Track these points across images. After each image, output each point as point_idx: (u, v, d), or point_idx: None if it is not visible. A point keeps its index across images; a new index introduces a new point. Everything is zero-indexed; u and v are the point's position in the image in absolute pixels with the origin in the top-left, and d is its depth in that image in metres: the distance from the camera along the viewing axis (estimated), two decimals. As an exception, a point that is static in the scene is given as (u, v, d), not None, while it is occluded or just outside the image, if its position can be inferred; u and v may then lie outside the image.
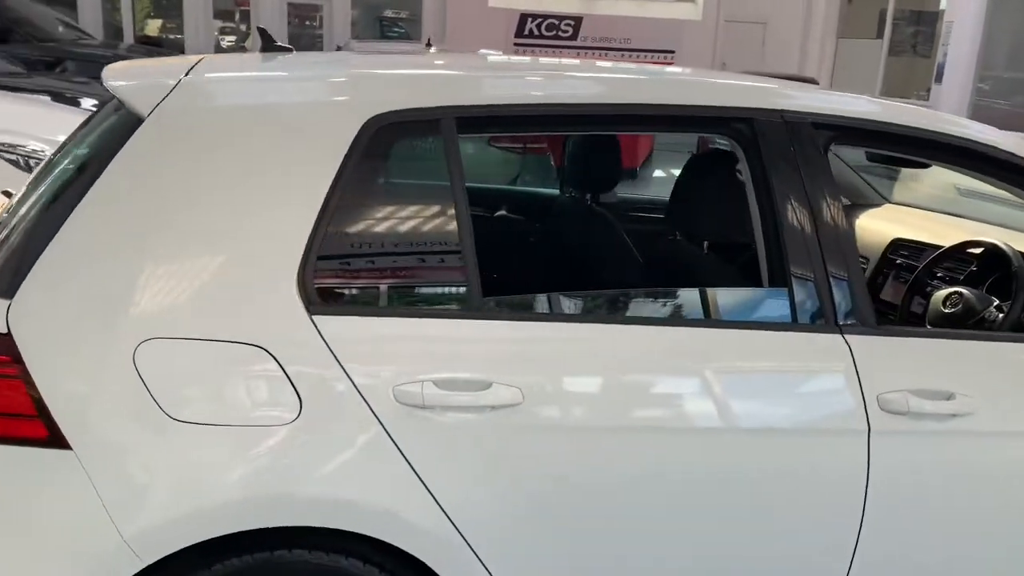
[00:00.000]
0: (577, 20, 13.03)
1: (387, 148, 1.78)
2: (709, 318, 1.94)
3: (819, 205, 1.89)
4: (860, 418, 1.81)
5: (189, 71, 1.76)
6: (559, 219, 3.08)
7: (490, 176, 5.47)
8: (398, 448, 1.64)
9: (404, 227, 1.81)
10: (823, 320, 1.85)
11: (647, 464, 1.77)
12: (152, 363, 1.57)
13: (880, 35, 14.82)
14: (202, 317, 1.60)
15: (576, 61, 2.73)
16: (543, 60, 2.48)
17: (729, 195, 2.07)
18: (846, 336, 1.84)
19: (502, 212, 3.26)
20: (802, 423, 1.83)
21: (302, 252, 1.64)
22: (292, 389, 1.61)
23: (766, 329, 1.86)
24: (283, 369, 1.60)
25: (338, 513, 1.65)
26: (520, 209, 3.28)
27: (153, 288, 1.60)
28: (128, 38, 12.86)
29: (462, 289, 1.75)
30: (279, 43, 2.28)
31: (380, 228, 1.80)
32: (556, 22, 12.97)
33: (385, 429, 1.64)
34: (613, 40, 13.03)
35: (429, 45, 5.69)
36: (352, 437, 1.64)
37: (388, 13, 15.98)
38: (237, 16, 15.60)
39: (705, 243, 2.31)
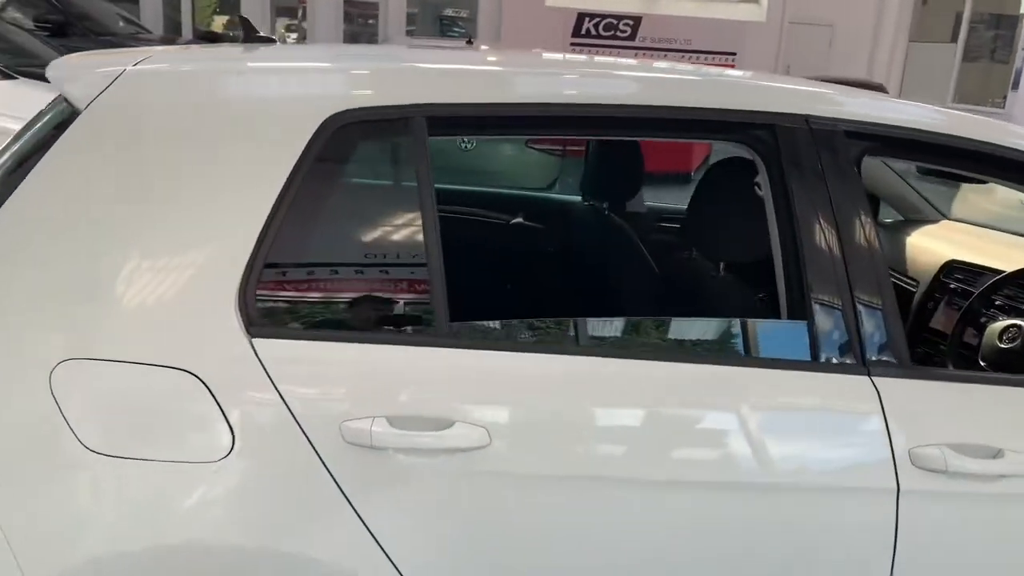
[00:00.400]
0: (636, 20, 12.75)
1: (348, 151, 1.58)
2: (715, 353, 1.70)
3: (848, 225, 1.64)
4: (887, 475, 1.55)
5: (138, 63, 1.59)
6: (572, 230, 2.85)
7: (528, 180, 5.25)
8: (344, 495, 1.44)
9: (363, 240, 1.61)
10: (848, 358, 1.60)
11: (634, 522, 1.54)
12: (69, 387, 1.40)
13: (954, 39, 14.19)
14: (127, 336, 1.42)
15: (579, 57, 2.48)
16: (545, 56, 2.24)
17: (747, 211, 1.82)
18: (874, 378, 1.59)
19: (518, 220, 3.05)
20: (818, 479, 1.58)
21: (244, 265, 1.45)
22: (224, 422, 1.42)
23: (781, 368, 1.61)
24: (215, 399, 1.42)
25: (271, 570, 1.45)
26: (538, 216, 3.06)
27: (73, 302, 1.43)
28: (187, 34, 12.98)
29: (426, 311, 1.54)
30: (261, 33, 2.12)
31: (336, 241, 1.61)
32: (614, 22, 12.71)
33: (330, 472, 1.44)
34: (673, 41, 12.71)
35: (469, 43, 5.52)
36: (290, 481, 1.45)
37: (448, 12, 15.91)
38: (300, 13, 15.69)
39: (721, 264, 2.07)
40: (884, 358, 1.61)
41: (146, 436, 1.42)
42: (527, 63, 2.03)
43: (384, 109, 1.55)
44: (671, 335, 1.74)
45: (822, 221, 1.63)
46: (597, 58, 2.22)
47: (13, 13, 10.69)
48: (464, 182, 5.07)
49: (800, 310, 1.63)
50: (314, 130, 1.50)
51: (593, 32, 12.71)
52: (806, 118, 1.68)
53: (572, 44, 12.37)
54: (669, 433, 1.56)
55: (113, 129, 1.49)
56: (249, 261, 1.45)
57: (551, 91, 1.65)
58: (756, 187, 1.81)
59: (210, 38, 13.22)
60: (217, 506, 1.43)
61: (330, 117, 1.51)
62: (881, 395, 1.58)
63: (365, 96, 1.56)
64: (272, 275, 1.48)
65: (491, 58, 2.13)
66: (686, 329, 1.73)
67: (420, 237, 1.52)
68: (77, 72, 1.62)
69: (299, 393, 1.45)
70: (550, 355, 1.55)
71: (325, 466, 1.44)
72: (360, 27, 14.35)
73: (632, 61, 2.30)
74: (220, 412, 1.42)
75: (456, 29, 16.08)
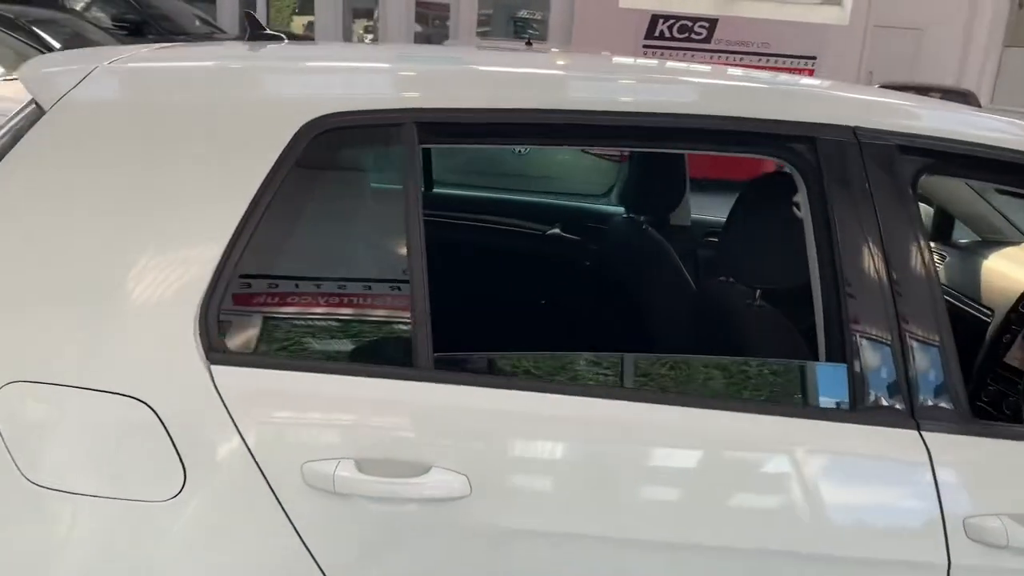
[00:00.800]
0: (712, 22, 12.40)
1: (328, 159, 1.43)
2: (739, 397, 1.48)
3: (898, 253, 1.42)
4: (937, 549, 1.34)
5: (113, 61, 1.47)
6: (607, 245, 2.66)
7: (585, 186, 5.07)
8: (304, 546, 1.29)
9: (342, 260, 1.46)
10: (894, 407, 1.38)
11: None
12: (11, 413, 1.28)
13: (1054, 44, 13.40)
14: (74, 358, 1.30)
15: (599, 57, 2.28)
16: (579, 58, 2.03)
17: (787, 234, 1.61)
18: (925, 432, 1.37)
19: (555, 231, 2.87)
20: (853, 550, 1.36)
21: (207, 283, 1.31)
22: (176, 457, 1.28)
23: (813, 417, 1.40)
24: (167, 431, 1.28)
25: None
26: (577, 227, 2.88)
27: (15, 318, 1.31)
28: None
29: (407, 340, 1.38)
30: (268, 31, 1.99)
31: (311, 261, 1.46)
32: (689, 24, 12.39)
33: (289, 519, 1.29)
34: (749, 44, 12.33)
35: (529, 44, 5.36)
36: (246, 526, 1.30)
37: (522, 14, 15.80)
38: (376, 14, 15.77)
39: (757, 291, 1.85)
40: (937, 408, 1.39)
41: (92, 469, 1.29)
42: (544, 65, 1.85)
43: (369, 114, 1.40)
44: (687, 375, 1.53)
45: (867, 248, 1.42)
46: (623, 60, 2.02)
47: (96, 12, 10.99)
48: (516, 188, 4.92)
49: (839, 349, 1.42)
50: (290, 137, 1.36)
51: (667, 34, 12.42)
52: (854, 130, 1.47)
53: (645, 46, 12.12)
54: (681, 490, 1.37)
55: (73, 131, 1.37)
56: (212, 279, 1.31)
57: (555, 97, 1.46)
58: (795, 207, 1.60)
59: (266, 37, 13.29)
60: (164, 551, 1.30)
61: (308, 123, 1.37)
62: (932, 452, 1.36)
63: (348, 100, 1.41)
64: (237, 296, 1.34)
65: (512, 60, 1.95)
66: (705, 368, 1.53)
67: (403, 258, 1.36)
68: (46, 72, 1.50)
69: (258, 428, 1.30)
70: (546, 394, 1.37)
71: (284, 512, 1.29)
72: (433, 28, 14.33)
73: (652, 63, 2.10)
74: (172, 446, 1.28)
75: (530, 31, 15.95)
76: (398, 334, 1.40)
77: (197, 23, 11.06)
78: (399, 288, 1.37)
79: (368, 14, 15.67)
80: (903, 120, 1.53)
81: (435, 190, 3.02)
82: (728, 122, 1.46)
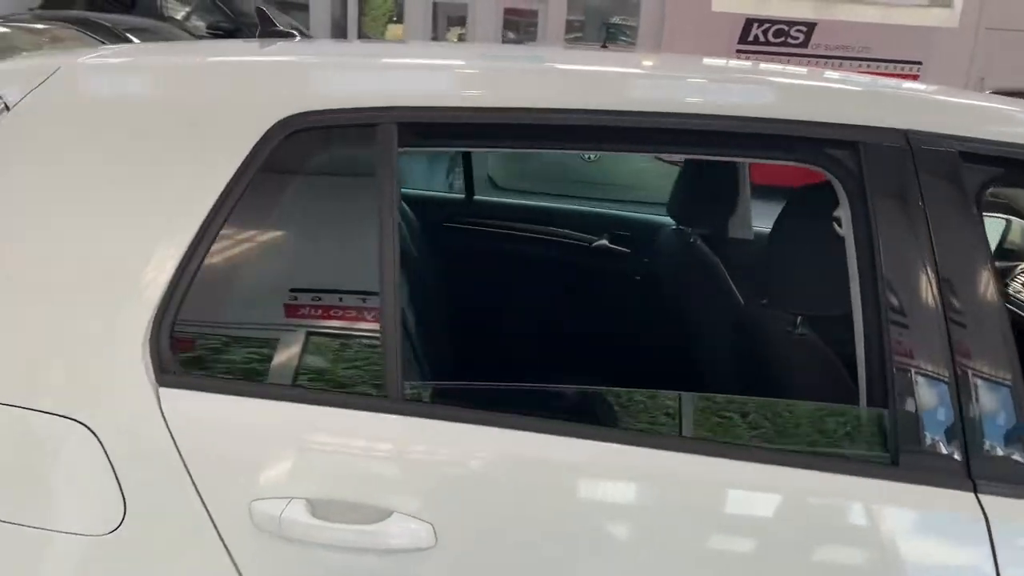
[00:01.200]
0: (810, 26, 11.95)
1: (298, 162, 1.30)
2: (765, 445, 1.27)
3: (955, 280, 1.20)
4: (992, 640, 1.11)
5: (81, 59, 1.38)
6: (652, 259, 2.46)
7: (658, 194, 4.86)
8: None
9: (310, 274, 1.32)
10: (945, 464, 1.16)
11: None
12: None
13: None
14: (16, 374, 1.20)
15: (607, 53, 2.08)
16: (562, 53, 1.82)
17: (829, 254, 1.39)
18: (981, 495, 1.15)
19: (602, 242, 2.69)
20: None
21: (160, 295, 1.20)
22: (116, 487, 1.17)
23: (845, 472, 1.19)
24: (108, 457, 1.17)
25: None
26: (626, 238, 2.69)
27: None
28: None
29: (375, 366, 1.23)
30: (280, 27, 1.88)
31: (273, 272, 1.32)
32: (786, 28, 11.97)
33: (233, 562, 1.16)
34: (849, 48, 11.82)
35: (604, 47, 5.19)
36: (187, 569, 1.18)
37: (615, 19, 15.59)
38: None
39: (797, 319, 1.63)
40: (1000, 465, 1.16)
41: (23, 496, 1.19)
42: (550, 61, 1.67)
43: (345, 113, 1.26)
44: (704, 414, 1.34)
45: (918, 271, 1.20)
46: (627, 54, 1.83)
47: (195, 21, 11.34)
48: (585, 195, 4.74)
49: (880, 390, 1.20)
50: (258, 138, 1.24)
51: (762, 39, 12.03)
52: (906, 134, 1.25)
53: (738, 51, 11.78)
54: (680, 554, 1.18)
55: (29, 132, 1.28)
56: (167, 290, 1.20)
57: (550, 95, 1.29)
58: (836, 224, 1.39)
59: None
60: None
61: (279, 122, 1.24)
62: (990, 520, 1.14)
63: (323, 97, 1.27)
64: (194, 310, 1.22)
65: (525, 56, 1.78)
66: (724, 407, 1.33)
67: (375, 273, 1.21)
68: (11, 69, 1.42)
69: (205, 460, 1.17)
70: (530, 433, 1.20)
71: (230, 555, 1.16)
72: (523, 35, 14.25)
73: (677, 58, 1.89)
74: (113, 475, 1.17)
75: (623, 37, 15.71)
76: (367, 359, 1.25)
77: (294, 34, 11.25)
78: (372, 308, 1.23)
79: (462, 22, 15.72)
80: (971, 123, 1.30)
81: (475, 197, 2.88)
82: (763, 125, 1.26)
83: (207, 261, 1.21)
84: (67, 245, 1.22)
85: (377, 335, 1.21)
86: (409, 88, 1.30)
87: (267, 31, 1.82)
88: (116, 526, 1.17)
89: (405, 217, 2.50)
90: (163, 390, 1.19)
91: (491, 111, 1.27)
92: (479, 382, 1.28)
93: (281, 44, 1.63)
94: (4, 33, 6.68)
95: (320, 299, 1.28)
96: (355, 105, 1.26)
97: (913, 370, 1.19)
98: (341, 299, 1.29)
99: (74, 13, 8.73)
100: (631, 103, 1.28)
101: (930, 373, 1.18)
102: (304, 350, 1.26)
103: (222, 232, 1.22)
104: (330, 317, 1.28)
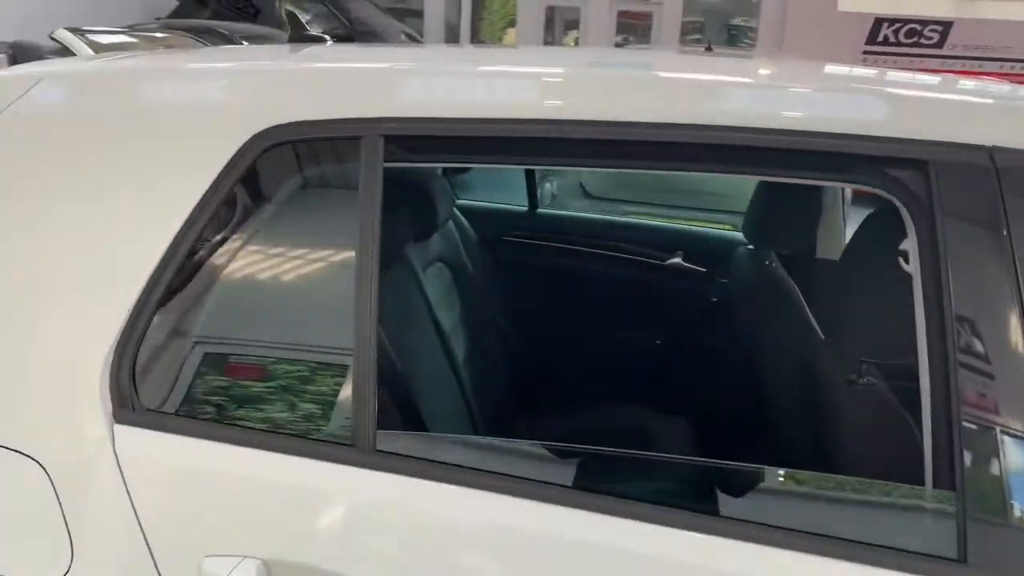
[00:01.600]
0: (946, 25, 11.22)
1: (277, 178, 1.17)
2: (805, 530, 1.06)
3: None
4: None
5: (63, 66, 1.31)
6: (729, 281, 2.23)
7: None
8: None
9: (283, 305, 1.19)
10: (1027, 565, 0.93)
11: None
12: None
13: None
14: None
15: (634, 54, 1.87)
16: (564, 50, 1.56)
17: (896, 290, 1.17)
18: None
19: (676, 260, 2.48)
20: None
21: (123, 323, 1.10)
22: (64, 530, 1.07)
23: (901, 569, 0.97)
24: (58, 498, 1.08)
25: None
26: (703, 258, 2.47)
27: None
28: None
29: (347, 413, 1.09)
30: (309, 32, 1.78)
31: (245, 302, 1.20)
32: (918, 28, 11.27)
33: None
34: (989, 49, 11.04)
35: (709, 49, 4.94)
36: None
37: (736, 21, 15.12)
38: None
39: (862, 367, 1.38)
40: None
41: None
42: (559, 64, 1.48)
43: (327, 124, 1.13)
44: (743, 485, 1.13)
45: (999, 317, 0.97)
46: (641, 50, 1.61)
47: (314, 29, 11.61)
48: (691, 206, 4.50)
49: (946, 464, 0.98)
50: (234, 152, 1.12)
51: (892, 39, 11.38)
52: (990, 151, 1.02)
53: (865, 53, 11.16)
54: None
55: (7, 144, 1.20)
56: (129, 321, 1.10)
57: (549, 103, 1.12)
58: (901, 259, 1.16)
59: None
60: None
61: (257, 135, 1.12)
62: None
63: (307, 108, 1.15)
64: (159, 339, 1.11)
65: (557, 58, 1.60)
66: (758, 479, 1.12)
67: (350, 302, 1.08)
68: (11, 73, 1.36)
69: (156, 507, 1.07)
70: (516, 499, 1.03)
71: None
72: (639, 38, 13.98)
73: (702, 58, 1.66)
74: (62, 517, 1.07)
75: (746, 40, 15.20)
76: (341, 404, 1.12)
77: (403, 38, 11.38)
78: (342, 339, 1.09)
79: (577, 25, 15.56)
80: None
81: (539, 210, 2.72)
82: (807, 139, 1.06)
83: (174, 287, 1.11)
84: (32, 269, 1.14)
85: (355, 376, 1.08)
86: (397, 98, 1.16)
87: (298, 35, 1.72)
88: (64, 572, 1.07)
89: (462, 229, 2.37)
90: (119, 427, 1.09)
91: (487, 123, 1.12)
92: (463, 436, 1.12)
93: (272, 50, 1.52)
94: (126, 42, 6.96)
95: (294, 334, 1.16)
96: (337, 116, 1.13)
97: (990, 438, 0.96)
98: (318, 335, 1.16)
99: (196, 22, 9.05)
100: (628, 113, 1.10)
101: (1009, 449, 0.95)
102: (273, 390, 1.14)
103: (191, 256, 1.11)
104: (304, 354, 1.16)
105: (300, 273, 1.19)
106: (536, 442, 1.10)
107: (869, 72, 1.57)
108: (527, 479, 1.04)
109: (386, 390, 1.33)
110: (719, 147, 1.08)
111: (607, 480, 1.11)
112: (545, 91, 1.19)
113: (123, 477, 1.08)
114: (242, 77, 1.28)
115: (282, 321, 1.17)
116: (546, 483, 1.04)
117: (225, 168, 1.12)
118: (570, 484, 1.06)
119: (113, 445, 1.08)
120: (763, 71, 1.46)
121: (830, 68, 1.42)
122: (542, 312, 2.34)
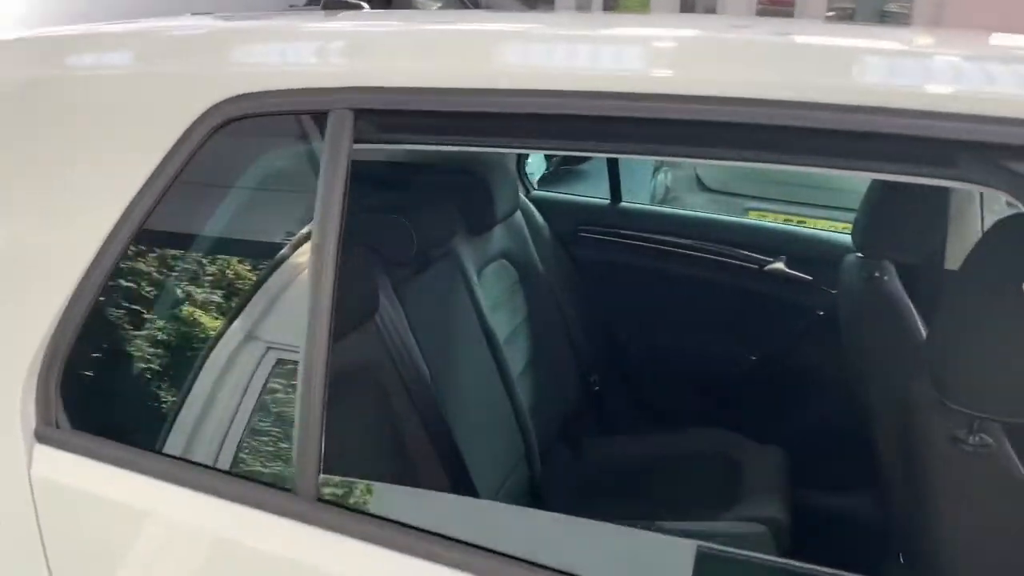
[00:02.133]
0: None
1: (235, 157, 0.99)
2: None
3: None
4: None
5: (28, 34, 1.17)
6: (836, 292, 1.92)
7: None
8: None
9: (229, 309, 1.00)
10: None
11: None
12: None
13: None
14: None
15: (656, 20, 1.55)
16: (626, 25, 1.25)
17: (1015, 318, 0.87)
18: None
19: (777, 265, 2.18)
20: None
21: (48, 333, 0.94)
22: None
23: None
24: None
25: None
26: (807, 263, 2.16)
27: None
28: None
29: (285, 452, 0.89)
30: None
31: (189, 307, 1.01)
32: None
33: None
34: None
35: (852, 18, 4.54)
36: None
37: (890, 7, 14.23)
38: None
39: (974, 423, 1.06)
40: None
41: None
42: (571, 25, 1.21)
43: (291, 96, 0.94)
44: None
45: None
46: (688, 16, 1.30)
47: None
48: (821, 203, 4.13)
49: None
50: (185, 127, 0.94)
51: (1066, 23, 10.31)
52: None
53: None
54: None
55: None
56: (57, 329, 0.94)
57: (558, 71, 0.88)
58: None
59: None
60: None
61: (212, 108, 0.94)
62: None
63: (263, 76, 0.95)
64: (92, 348, 0.95)
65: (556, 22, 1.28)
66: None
67: (304, 308, 0.88)
68: None
69: (65, 540, 0.90)
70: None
71: None
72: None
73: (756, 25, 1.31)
74: None
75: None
76: (282, 440, 0.92)
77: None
78: (290, 351, 0.90)
79: (715, 10, 14.99)
80: None
81: (621, 204, 2.46)
82: (880, 120, 0.78)
83: (111, 286, 0.94)
84: None
85: (302, 400, 0.88)
86: (369, 64, 0.95)
87: (331, 2, 1.55)
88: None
89: (532, 223, 2.15)
90: (38, 448, 0.93)
91: (476, 95, 0.89)
92: (419, 490, 0.91)
93: (262, 17, 1.31)
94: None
95: (244, 348, 0.97)
96: (301, 85, 0.93)
97: None
98: (266, 350, 0.97)
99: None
100: (704, 84, 0.85)
101: None
102: (211, 416, 0.95)
103: (131, 249, 0.94)
104: (251, 373, 0.97)
105: (255, 275, 1.00)
106: (486, 501, 0.87)
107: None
108: (488, 550, 0.82)
109: (408, 415, 1.15)
110: (767, 128, 0.82)
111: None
112: (528, 56, 0.94)
113: (35, 506, 0.92)
114: (190, 43, 1.06)
115: (233, 331, 0.98)
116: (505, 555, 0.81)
117: (175, 145, 0.94)
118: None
119: (29, 468, 0.93)
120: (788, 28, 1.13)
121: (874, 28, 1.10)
122: (619, 318, 2.10)
